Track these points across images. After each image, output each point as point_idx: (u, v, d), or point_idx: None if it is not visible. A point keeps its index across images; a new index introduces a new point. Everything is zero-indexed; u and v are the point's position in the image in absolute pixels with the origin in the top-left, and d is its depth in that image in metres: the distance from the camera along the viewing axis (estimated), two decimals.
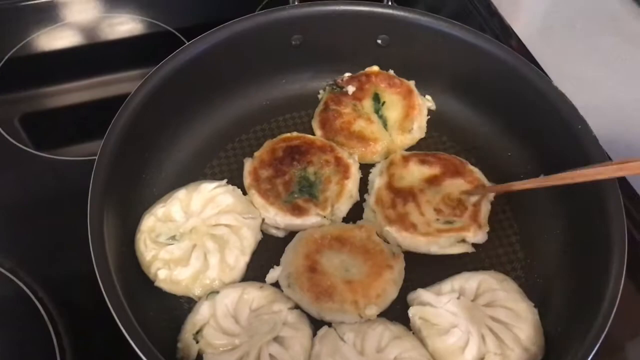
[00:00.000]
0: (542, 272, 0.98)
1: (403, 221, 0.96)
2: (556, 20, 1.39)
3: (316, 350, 0.86)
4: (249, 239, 0.96)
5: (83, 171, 0.96)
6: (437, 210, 0.98)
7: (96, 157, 0.91)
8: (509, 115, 1.10)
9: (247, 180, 1.03)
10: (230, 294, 0.89)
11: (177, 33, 1.36)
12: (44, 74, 1.30)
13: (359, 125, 1.11)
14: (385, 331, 0.87)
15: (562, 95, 1.00)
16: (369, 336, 0.86)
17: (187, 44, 1.05)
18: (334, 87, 1.16)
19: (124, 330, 0.76)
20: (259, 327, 0.86)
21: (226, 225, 0.95)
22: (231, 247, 0.93)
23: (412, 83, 1.16)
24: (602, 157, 0.94)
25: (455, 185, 1.01)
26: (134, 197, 0.99)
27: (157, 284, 0.92)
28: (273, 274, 0.94)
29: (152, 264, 0.92)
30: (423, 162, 1.03)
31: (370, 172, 1.06)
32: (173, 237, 0.93)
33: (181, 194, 0.97)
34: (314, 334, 0.89)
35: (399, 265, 0.96)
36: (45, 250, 1.02)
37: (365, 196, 1.03)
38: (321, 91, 1.18)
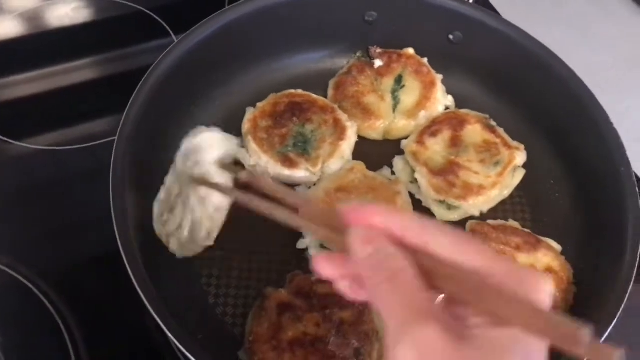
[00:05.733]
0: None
1: None
2: None
3: None
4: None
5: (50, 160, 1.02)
6: None
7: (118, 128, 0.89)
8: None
9: (245, 126, 1.05)
10: None
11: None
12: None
13: (370, 99, 1.12)
14: None
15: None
16: None
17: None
18: (364, 55, 1.18)
19: (150, 308, 0.73)
20: None
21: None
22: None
23: (439, 77, 1.15)
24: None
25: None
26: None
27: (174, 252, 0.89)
28: (304, 242, 0.95)
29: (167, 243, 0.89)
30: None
31: None
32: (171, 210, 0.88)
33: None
34: None
35: (402, 187, 1.00)
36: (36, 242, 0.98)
37: None
38: (353, 55, 1.19)
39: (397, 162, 1.07)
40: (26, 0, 1.32)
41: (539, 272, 0.46)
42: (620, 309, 0.81)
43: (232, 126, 1.08)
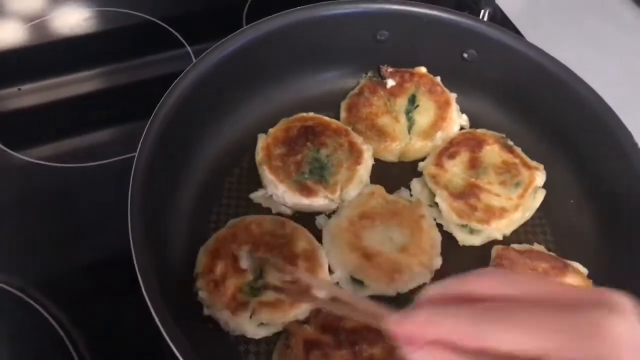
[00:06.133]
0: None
1: None
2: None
3: None
4: None
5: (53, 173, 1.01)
6: None
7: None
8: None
9: (259, 155, 1.02)
10: None
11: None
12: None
13: (384, 120, 1.09)
14: None
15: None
16: None
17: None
18: (375, 75, 1.15)
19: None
20: None
21: None
22: None
23: (453, 96, 1.13)
24: None
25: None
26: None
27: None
28: (333, 276, 0.92)
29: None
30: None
31: None
32: None
33: None
34: None
35: (425, 209, 0.98)
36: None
37: None
38: (363, 75, 1.16)
39: (415, 184, 1.04)
40: (38, 10, 1.32)
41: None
42: None
43: (242, 151, 1.05)
